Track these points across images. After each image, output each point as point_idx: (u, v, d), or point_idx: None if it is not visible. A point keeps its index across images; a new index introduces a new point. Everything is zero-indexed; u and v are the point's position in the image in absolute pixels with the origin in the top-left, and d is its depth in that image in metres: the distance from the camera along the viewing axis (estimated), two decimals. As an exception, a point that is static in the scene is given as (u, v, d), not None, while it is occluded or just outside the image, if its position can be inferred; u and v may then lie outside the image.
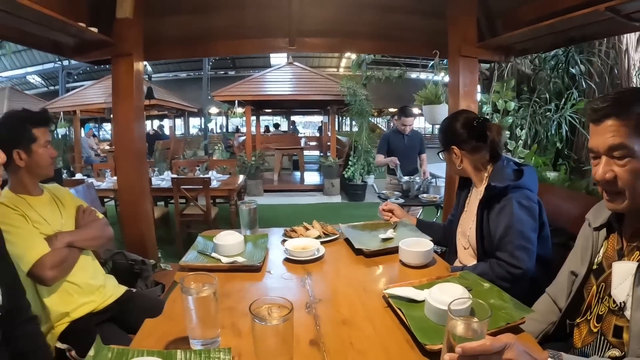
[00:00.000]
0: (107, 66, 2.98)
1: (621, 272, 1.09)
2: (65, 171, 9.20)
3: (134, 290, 2.08)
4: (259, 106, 12.10)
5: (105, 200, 5.48)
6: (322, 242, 1.84)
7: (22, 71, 19.97)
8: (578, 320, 1.23)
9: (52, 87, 20.93)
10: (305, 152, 11.48)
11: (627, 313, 1.04)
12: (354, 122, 10.74)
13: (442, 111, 3.20)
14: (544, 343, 1.34)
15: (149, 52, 2.96)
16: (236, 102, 9.94)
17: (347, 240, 1.89)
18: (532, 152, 4.40)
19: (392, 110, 18.81)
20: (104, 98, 10.07)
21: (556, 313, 1.35)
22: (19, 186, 1.73)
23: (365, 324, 1.18)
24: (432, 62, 3.42)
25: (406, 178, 4.21)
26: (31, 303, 1.58)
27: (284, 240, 1.86)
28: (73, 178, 5.99)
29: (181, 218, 4.71)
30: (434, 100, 3.29)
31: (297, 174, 11.00)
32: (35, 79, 21.64)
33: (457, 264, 1.95)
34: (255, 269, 1.58)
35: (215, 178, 5.44)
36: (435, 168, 6.01)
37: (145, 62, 3.10)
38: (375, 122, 22.09)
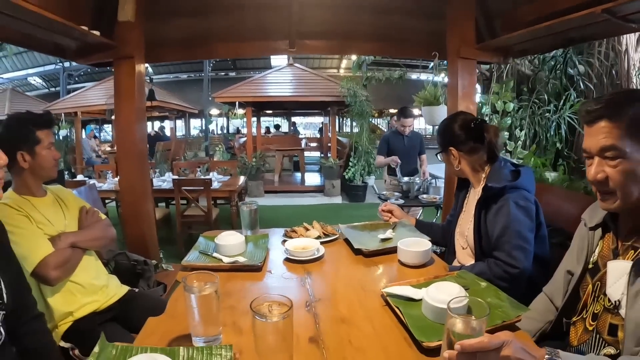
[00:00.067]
0: (109, 68, 3.00)
1: (616, 271, 1.10)
2: (66, 172, 9.23)
3: (137, 290, 2.10)
4: (259, 107, 12.13)
5: (107, 201, 5.50)
6: (322, 243, 1.86)
7: (23, 73, 20.00)
8: (574, 319, 1.24)
9: (53, 89, 20.96)
10: (306, 153, 11.50)
11: (622, 311, 1.05)
12: (354, 123, 10.75)
13: (441, 112, 3.22)
14: (541, 342, 1.35)
15: (151, 55, 2.98)
16: (237, 103, 9.97)
17: (347, 241, 1.90)
18: (532, 153, 4.41)
19: (392, 111, 18.82)
20: (105, 99, 10.08)
21: (553, 312, 1.37)
22: (23, 187, 1.75)
23: (364, 322, 1.20)
24: (432, 63, 3.44)
25: (406, 179, 4.22)
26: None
27: (284, 241, 1.88)
28: (74, 179, 6.02)
29: (182, 219, 4.72)
30: (433, 101, 3.31)
31: (298, 175, 11.02)
32: (36, 81, 21.68)
33: (455, 263, 1.97)
34: (256, 269, 1.60)
35: (216, 179, 5.45)
36: (435, 169, 6.02)
37: (146, 64, 3.12)
38: (376, 123, 22.09)
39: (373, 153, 8.24)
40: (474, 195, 1.89)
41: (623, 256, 1.11)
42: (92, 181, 5.30)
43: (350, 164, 8.66)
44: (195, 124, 24.27)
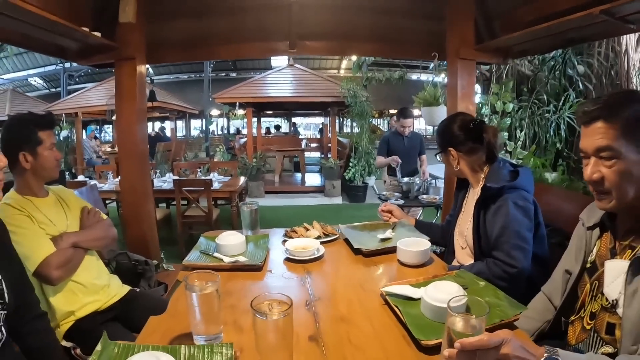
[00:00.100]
0: (109, 69, 3.02)
1: (613, 270, 1.11)
2: (67, 173, 9.24)
3: (138, 290, 2.11)
4: (260, 108, 12.13)
5: (107, 202, 5.51)
6: (322, 242, 1.87)
7: (23, 73, 20.01)
8: (572, 318, 1.25)
9: (53, 89, 20.96)
10: (306, 154, 11.49)
11: (619, 310, 1.06)
12: (354, 124, 10.76)
13: (441, 113, 3.23)
14: (540, 341, 1.36)
15: (152, 56, 3.00)
16: (237, 104, 9.99)
17: (347, 241, 1.91)
18: (531, 153, 4.42)
19: (392, 111, 18.82)
20: (105, 100, 10.10)
21: (551, 311, 1.37)
22: (25, 188, 1.76)
23: (363, 321, 1.21)
24: (432, 64, 3.45)
25: (406, 179, 4.23)
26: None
27: (285, 241, 1.89)
28: (75, 180, 6.03)
29: (183, 219, 4.73)
30: (433, 102, 3.33)
31: (298, 175, 11.02)
32: (36, 81, 21.68)
33: (454, 263, 1.98)
34: (256, 268, 1.61)
35: (217, 180, 5.45)
36: (435, 169, 6.03)
37: (147, 65, 3.13)
38: (376, 124, 22.10)
39: (373, 153, 8.24)
40: (473, 195, 1.90)
41: (620, 255, 1.12)
42: (92, 182, 5.30)
43: (351, 164, 8.66)
44: (196, 124, 24.27)
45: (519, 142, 4.66)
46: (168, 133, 15.00)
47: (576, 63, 4.83)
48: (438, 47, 3.11)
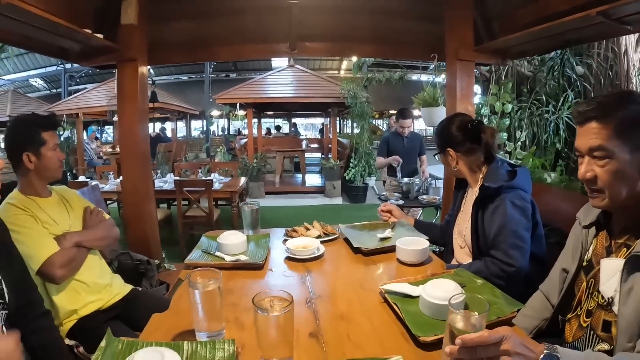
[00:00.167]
0: (110, 70, 3.03)
1: (609, 269, 1.13)
2: (68, 174, 9.26)
3: (140, 289, 2.13)
4: (260, 108, 12.15)
5: (108, 202, 5.51)
6: (322, 242, 1.89)
7: (24, 74, 20.01)
8: (569, 316, 1.26)
9: (54, 90, 20.96)
10: (307, 154, 11.50)
11: (615, 308, 1.08)
12: (354, 124, 10.77)
13: (440, 113, 3.25)
14: (537, 339, 1.36)
15: (153, 57, 3.02)
16: (238, 104, 10.00)
17: (347, 240, 1.93)
18: (531, 154, 4.43)
19: (392, 112, 18.82)
20: (106, 101, 10.10)
21: (549, 309, 1.39)
22: (29, 188, 1.78)
23: (363, 318, 1.23)
24: (432, 65, 3.46)
25: (406, 179, 4.25)
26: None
27: (285, 240, 1.91)
28: (76, 180, 6.04)
29: (184, 220, 4.74)
30: (432, 102, 3.34)
31: (299, 176, 11.03)
32: (37, 82, 21.69)
33: (453, 262, 2.00)
34: (257, 267, 1.63)
35: (217, 180, 5.45)
36: (435, 169, 6.04)
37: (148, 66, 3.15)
38: (377, 124, 22.10)
39: (373, 154, 8.25)
40: (472, 195, 1.92)
41: (616, 254, 1.14)
42: (94, 182, 5.32)
43: (351, 165, 8.67)
44: (196, 125, 24.29)
45: (519, 143, 4.67)
46: (169, 134, 15.01)
47: (575, 64, 4.85)
48: (437, 48, 3.13)
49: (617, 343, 1.06)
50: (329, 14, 3.32)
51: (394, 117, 6.16)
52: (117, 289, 1.96)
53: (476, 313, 0.90)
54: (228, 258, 1.68)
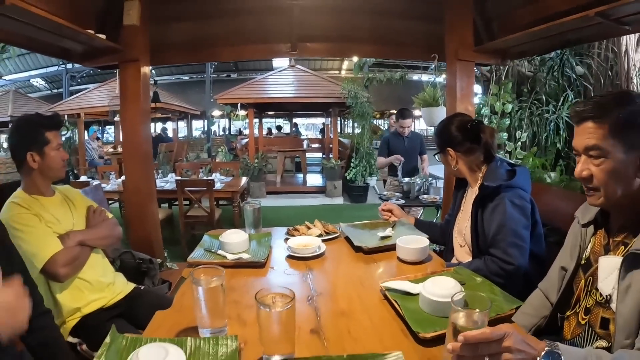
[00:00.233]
0: (112, 70, 3.04)
1: (607, 266, 1.14)
2: (70, 174, 9.28)
3: (142, 287, 2.15)
4: (261, 108, 12.15)
5: (110, 202, 5.53)
6: (323, 240, 1.91)
7: (26, 74, 20.00)
8: (567, 313, 1.27)
9: (55, 90, 20.97)
10: (308, 154, 11.50)
11: (613, 305, 1.09)
12: (355, 124, 10.77)
13: (440, 113, 3.26)
14: (537, 337, 1.38)
15: (155, 58, 3.03)
16: (239, 104, 10.01)
17: (347, 239, 1.95)
18: (531, 154, 4.44)
19: (393, 111, 18.80)
20: (107, 101, 10.10)
21: (548, 307, 1.39)
22: (32, 187, 1.79)
23: (363, 315, 1.25)
24: (432, 65, 3.47)
25: (407, 179, 4.26)
26: (44, 299, 1.66)
27: (287, 239, 1.93)
28: (78, 180, 6.06)
29: (185, 219, 4.75)
30: (432, 103, 3.35)
31: (300, 175, 11.04)
32: (38, 82, 21.69)
33: (453, 261, 2.01)
34: (259, 265, 1.65)
35: (219, 180, 5.46)
36: (435, 169, 6.05)
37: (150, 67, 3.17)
38: (378, 124, 22.09)
39: (374, 154, 8.26)
40: (472, 194, 1.94)
41: (614, 252, 1.15)
42: (96, 182, 5.33)
43: (352, 164, 8.67)
44: (197, 125, 24.28)
45: (519, 143, 4.68)
46: (170, 134, 15.03)
47: (574, 64, 4.86)
48: (437, 49, 3.14)
49: (615, 340, 1.06)
50: (329, 15, 3.33)
51: (393, 117, 6.17)
52: (120, 287, 1.98)
53: (477, 310, 0.91)
54: (230, 256, 1.70)
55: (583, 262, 1.26)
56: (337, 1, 3.24)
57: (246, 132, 13.83)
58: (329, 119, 11.16)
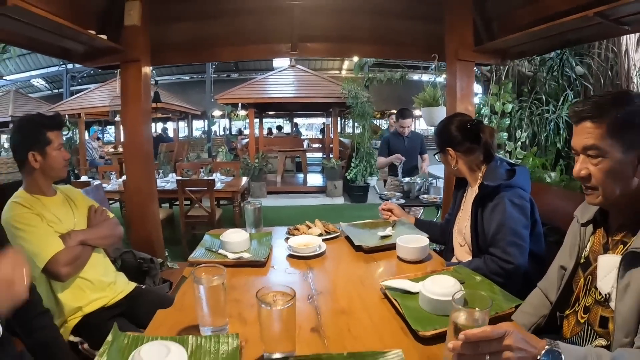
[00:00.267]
0: (112, 70, 3.05)
1: (606, 265, 1.15)
2: (70, 174, 9.29)
3: (143, 286, 2.15)
4: (262, 108, 12.16)
5: (110, 202, 5.53)
6: (323, 240, 1.91)
7: (26, 74, 19.99)
8: (567, 312, 1.28)
9: (56, 90, 20.96)
10: (308, 154, 11.51)
11: (612, 304, 1.09)
12: (356, 124, 10.78)
13: (440, 113, 3.26)
14: (536, 335, 1.39)
15: (156, 58, 3.04)
16: (239, 104, 10.01)
17: (348, 238, 1.96)
18: (532, 154, 4.44)
19: (394, 111, 18.78)
20: (108, 101, 10.11)
21: (547, 306, 1.40)
22: (34, 187, 1.80)
23: (363, 313, 1.26)
24: (433, 65, 3.48)
25: (407, 179, 4.27)
26: (45, 298, 1.67)
27: (288, 238, 1.93)
28: (79, 180, 6.07)
29: (186, 219, 4.76)
30: (432, 102, 3.36)
31: (300, 175, 11.04)
32: (39, 82, 21.68)
33: (454, 260, 2.02)
34: (260, 264, 1.66)
35: (219, 180, 5.47)
36: (436, 169, 6.05)
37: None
38: (378, 124, 22.09)
39: (375, 154, 8.26)
40: (471, 194, 1.94)
41: (613, 251, 1.15)
42: (97, 182, 5.34)
43: (352, 164, 8.67)
44: (198, 125, 24.29)
45: (519, 143, 4.68)
46: (170, 134, 15.04)
47: (574, 64, 4.86)
48: (437, 49, 3.15)
49: (614, 339, 1.07)
50: (329, 15, 3.33)
51: (393, 117, 6.17)
52: (121, 286, 1.98)
53: (477, 309, 0.92)
54: (231, 256, 1.71)
55: (582, 261, 1.27)
56: (337, 1, 3.25)
57: (247, 132, 13.83)
58: (330, 119, 11.16)
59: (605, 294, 1.12)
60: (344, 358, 1.00)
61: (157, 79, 16.55)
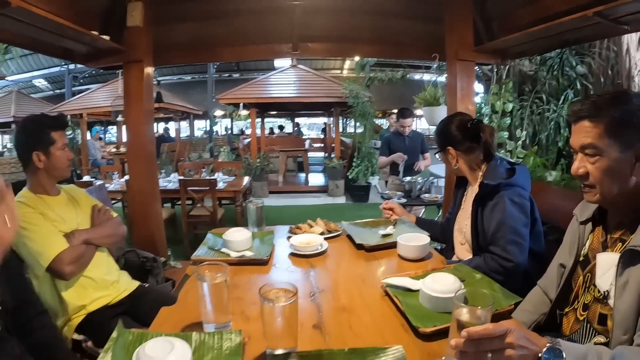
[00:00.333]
0: (114, 71, 3.06)
1: (605, 263, 1.16)
2: (73, 173, 9.30)
3: (146, 285, 2.17)
4: (263, 108, 12.15)
5: (113, 202, 5.54)
6: (325, 238, 1.93)
7: (28, 75, 19.99)
8: (566, 310, 1.29)
9: (57, 91, 20.94)
10: (310, 154, 11.53)
11: (611, 301, 1.10)
12: (357, 124, 10.78)
13: (441, 113, 3.27)
14: (536, 333, 1.40)
15: (158, 58, 3.05)
16: (241, 104, 10.02)
17: (349, 237, 1.98)
18: (532, 153, 4.44)
19: (394, 111, 18.74)
20: (110, 101, 10.12)
21: (547, 304, 1.40)
22: (38, 187, 1.82)
23: (364, 311, 1.27)
24: (434, 65, 3.49)
25: (408, 178, 4.28)
26: (49, 297, 1.69)
27: (290, 237, 1.95)
28: (81, 180, 6.09)
29: (188, 219, 4.77)
30: (433, 102, 3.37)
31: (302, 175, 11.05)
32: (41, 83, 21.69)
33: (454, 259, 2.02)
34: (262, 263, 1.68)
35: (221, 180, 5.48)
36: (436, 169, 6.06)
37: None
38: (380, 124, 22.09)
39: (376, 153, 8.26)
40: (472, 192, 1.96)
41: (611, 248, 1.16)
42: (99, 182, 5.36)
43: (354, 164, 8.67)
44: (199, 125, 24.27)
45: (520, 142, 4.68)
46: (172, 134, 15.06)
47: (574, 63, 4.86)
48: (438, 48, 3.15)
49: (612, 336, 1.08)
50: (330, 15, 3.35)
51: (393, 117, 6.17)
52: (124, 285, 2.00)
53: (480, 307, 0.93)
54: (233, 254, 1.72)
55: (581, 258, 1.27)
56: (337, 1, 3.26)
57: (248, 132, 13.85)
58: (331, 119, 11.18)
59: (604, 292, 1.13)
60: (345, 354, 1.01)
61: (159, 79, 16.54)
